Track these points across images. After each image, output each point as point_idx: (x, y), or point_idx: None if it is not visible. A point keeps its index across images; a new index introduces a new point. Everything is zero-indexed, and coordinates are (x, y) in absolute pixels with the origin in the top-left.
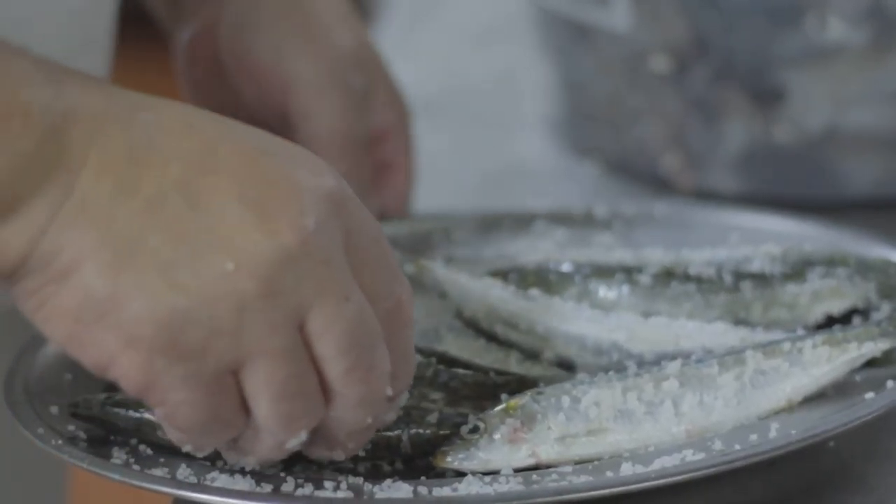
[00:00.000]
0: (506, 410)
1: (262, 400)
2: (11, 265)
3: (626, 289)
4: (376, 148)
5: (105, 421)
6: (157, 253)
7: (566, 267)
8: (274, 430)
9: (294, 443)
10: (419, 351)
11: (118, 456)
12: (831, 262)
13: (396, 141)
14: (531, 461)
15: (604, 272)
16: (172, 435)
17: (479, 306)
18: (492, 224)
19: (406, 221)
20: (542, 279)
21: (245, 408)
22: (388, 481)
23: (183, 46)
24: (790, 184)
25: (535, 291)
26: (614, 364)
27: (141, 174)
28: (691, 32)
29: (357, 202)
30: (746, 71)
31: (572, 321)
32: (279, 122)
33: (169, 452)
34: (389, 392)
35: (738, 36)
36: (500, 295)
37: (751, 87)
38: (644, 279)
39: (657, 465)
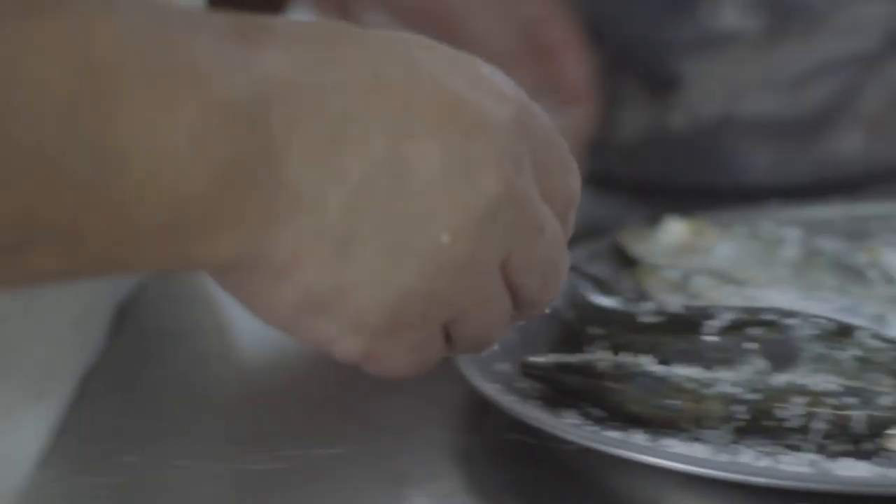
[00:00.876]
0: None
1: (464, 337)
2: (221, 268)
3: None
4: (536, 37)
5: (557, 382)
6: (375, 237)
7: None
8: (470, 350)
9: None
10: (876, 336)
11: (569, 416)
12: None
13: (553, 24)
14: None
15: None
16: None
17: None
18: None
19: (841, 205)
20: None
21: (447, 337)
22: (845, 460)
23: None
24: (685, 171)
25: None
26: None
27: (344, 154)
28: (587, 19)
29: (535, 112)
30: (641, 58)
31: None
32: (433, 27)
33: (622, 417)
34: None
35: (633, 23)
36: None
37: (645, 74)
38: None
39: None
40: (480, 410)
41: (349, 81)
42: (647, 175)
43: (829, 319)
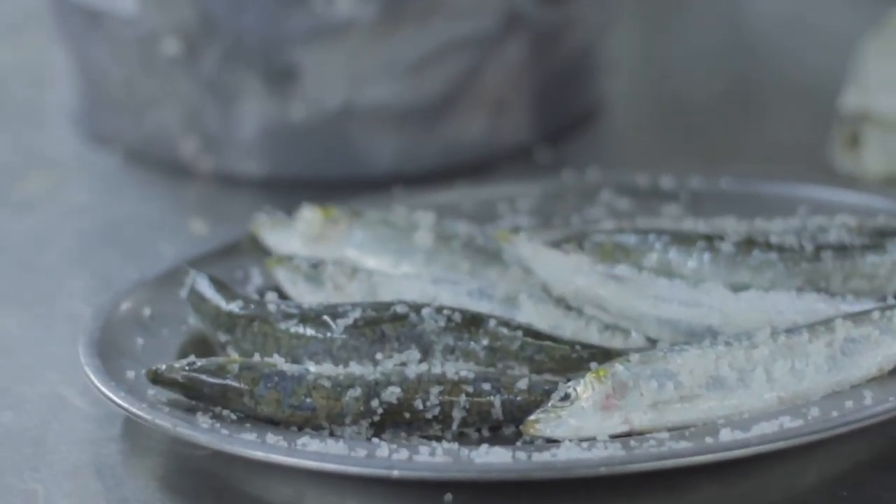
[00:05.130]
0: (597, 377)
1: None
2: None
3: (707, 257)
4: None
5: (189, 387)
6: None
7: (640, 235)
8: None
9: None
10: (504, 324)
11: (204, 421)
12: None
13: None
14: (624, 428)
15: (684, 241)
16: None
17: (568, 287)
18: (557, 194)
19: (471, 190)
20: (619, 248)
21: None
22: (484, 447)
23: None
24: (309, 163)
25: (623, 269)
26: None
27: None
28: (200, 13)
29: None
30: (257, 51)
31: (664, 305)
32: None
33: (254, 419)
34: None
35: (246, 16)
36: (588, 278)
37: (263, 66)
38: (726, 248)
39: (756, 431)
40: (113, 420)
41: None
42: (273, 170)
43: (458, 311)
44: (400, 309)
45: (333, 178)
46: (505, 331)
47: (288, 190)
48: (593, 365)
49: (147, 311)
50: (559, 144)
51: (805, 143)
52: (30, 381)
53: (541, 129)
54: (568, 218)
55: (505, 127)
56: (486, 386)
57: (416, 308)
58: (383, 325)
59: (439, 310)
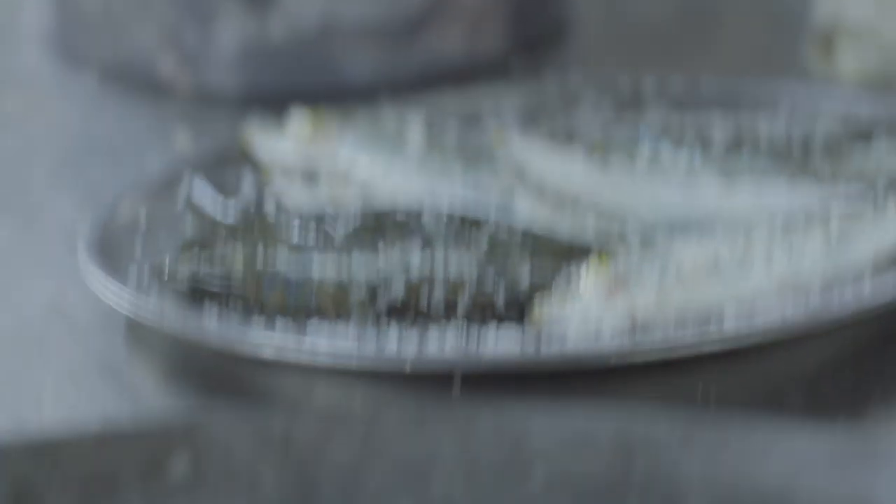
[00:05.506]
0: (599, 266)
1: None
2: None
3: (698, 153)
4: None
5: (192, 292)
6: None
7: (631, 131)
8: None
9: None
10: (503, 224)
11: (211, 318)
12: (892, 130)
13: None
14: (628, 316)
15: (674, 137)
16: None
17: (563, 183)
18: (541, 97)
19: (454, 98)
20: (611, 143)
21: None
22: (493, 338)
23: None
24: (289, 78)
25: (616, 164)
26: None
27: None
28: None
29: None
30: None
31: (660, 199)
32: None
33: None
34: None
35: None
36: (582, 171)
37: None
38: (716, 145)
39: (760, 319)
40: (116, 322)
41: None
42: (252, 86)
43: (457, 214)
44: (399, 216)
45: (314, 91)
46: (504, 231)
47: (269, 105)
48: (594, 255)
49: (143, 216)
50: (533, 57)
51: (777, 51)
52: (27, 288)
53: (516, 42)
54: (554, 119)
55: (482, 39)
56: (489, 280)
57: (416, 214)
58: (385, 230)
59: (438, 214)
